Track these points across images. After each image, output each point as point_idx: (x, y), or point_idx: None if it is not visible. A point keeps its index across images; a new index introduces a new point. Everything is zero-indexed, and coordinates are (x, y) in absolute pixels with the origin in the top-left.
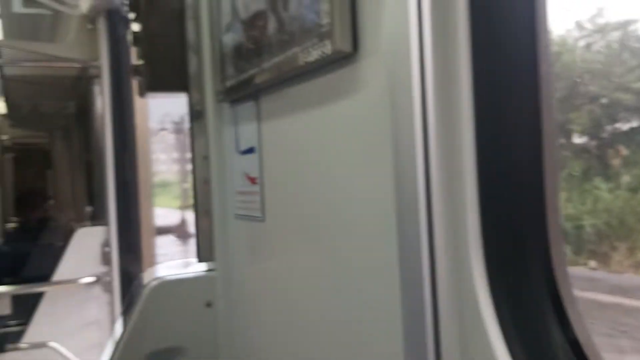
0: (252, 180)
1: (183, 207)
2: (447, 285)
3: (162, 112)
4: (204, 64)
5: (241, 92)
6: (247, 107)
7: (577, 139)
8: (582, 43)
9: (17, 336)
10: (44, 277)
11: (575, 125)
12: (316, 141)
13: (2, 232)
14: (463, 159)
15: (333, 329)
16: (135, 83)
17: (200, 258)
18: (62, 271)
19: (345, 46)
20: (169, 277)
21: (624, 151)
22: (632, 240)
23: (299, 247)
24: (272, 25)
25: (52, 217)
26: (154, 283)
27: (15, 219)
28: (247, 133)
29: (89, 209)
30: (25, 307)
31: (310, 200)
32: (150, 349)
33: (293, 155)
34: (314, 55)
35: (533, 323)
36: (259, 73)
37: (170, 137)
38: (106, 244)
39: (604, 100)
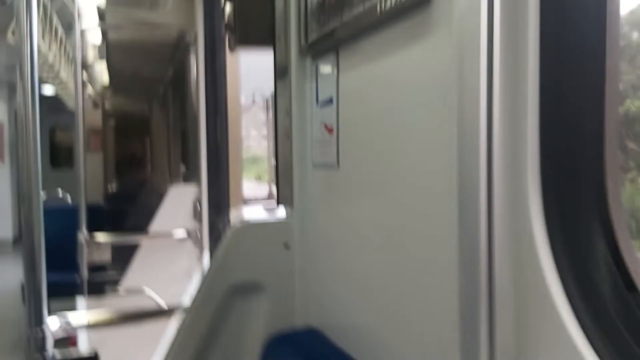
0: (330, 130)
1: (270, 182)
2: (503, 220)
3: (252, 87)
4: (290, 20)
5: (323, 46)
6: (328, 60)
7: None
8: None
9: (115, 283)
10: (140, 230)
11: None
12: (389, 91)
13: (104, 194)
14: (527, 113)
15: (397, 271)
16: (227, 45)
17: (280, 204)
18: (157, 225)
19: None
20: (251, 221)
21: None
22: None
23: (369, 194)
24: None
25: (150, 179)
26: (238, 225)
27: (116, 182)
28: (327, 85)
29: (182, 168)
30: (124, 257)
31: (381, 150)
32: (234, 281)
33: (367, 106)
34: (390, 2)
35: (586, 257)
36: (339, 26)
37: (260, 114)
38: (198, 201)
39: None
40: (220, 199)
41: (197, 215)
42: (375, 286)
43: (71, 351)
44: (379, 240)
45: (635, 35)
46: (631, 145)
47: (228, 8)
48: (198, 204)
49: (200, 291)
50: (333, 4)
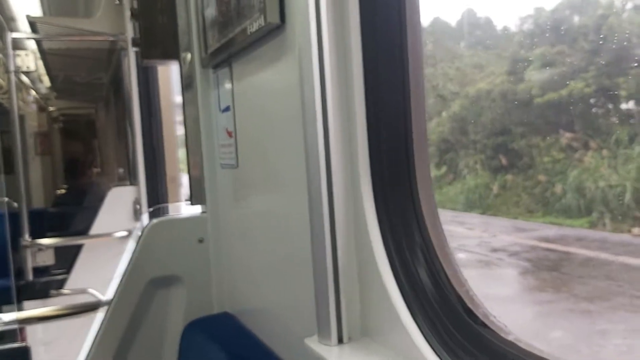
0: (230, 134)
1: None
2: (342, 210)
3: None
4: (192, 34)
5: (219, 59)
6: (224, 71)
7: (624, 105)
8: (629, 5)
9: (60, 284)
10: (83, 233)
11: (622, 90)
12: (266, 101)
13: (53, 198)
14: (355, 113)
15: (279, 256)
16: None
17: (193, 201)
18: (98, 227)
19: (274, 18)
20: (166, 218)
21: None
22: None
23: (259, 191)
24: (232, 2)
25: (97, 182)
26: (154, 222)
27: (64, 185)
28: (225, 94)
29: (120, 170)
30: (67, 259)
31: (264, 151)
32: (152, 275)
33: (254, 113)
34: (255, 26)
35: (401, 227)
36: (227, 42)
37: None
38: (137, 202)
39: None
40: (157, 197)
41: (137, 214)
42: (268, 271)
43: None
44: (269, 231)
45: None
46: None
47: (134, 19)
48: (138, 204)
49: (120, 286)
50: (222, 21)
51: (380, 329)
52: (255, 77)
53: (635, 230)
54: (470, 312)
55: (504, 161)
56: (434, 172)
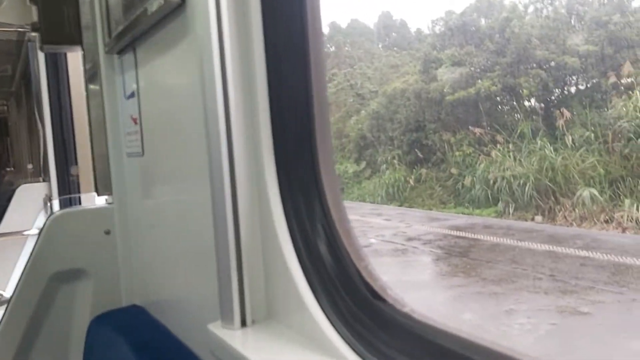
0: (135, 121)
1: None
2: (245, 195)
3: None
4: (95, 18)
5: (122, 43)
6: (129, 56)
7: (527, 102)
8: (531, 9)
9: None
10: None
11: (524, 89)
12: (169, 88)
13: None
14: (258, 95)
15: (187, 245)
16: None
17: (99, 192)
18: (7, 225)
19: None
20: (69, 210)
21: (568, 113)
22: (575, 196)
23: (165, 180)
24: None
25: (8, 180)
26: (56, 214)
27: None
28: (130, 79)
29: (29, 166)
30: None
31: (169, 139)
32: (55, 269)
33: (157, 99)
34: (155, 5)
35: (307, 218)
36: (130, 25)
37: None
38: (48, 198)
39: (552, 64)
40: (70, 191)
41: (47, 211)
42: (176, 260)
43: None
44: (175, 220)
45: None
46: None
47: (34, 9)
48: (49, 200)
49: (19, 282)
50: (125, 3)
51: (285, 310)
52: (158, 62)
53: (538, 217)
54: (369, 287)
55: (419, 156)
56: (353, 168)
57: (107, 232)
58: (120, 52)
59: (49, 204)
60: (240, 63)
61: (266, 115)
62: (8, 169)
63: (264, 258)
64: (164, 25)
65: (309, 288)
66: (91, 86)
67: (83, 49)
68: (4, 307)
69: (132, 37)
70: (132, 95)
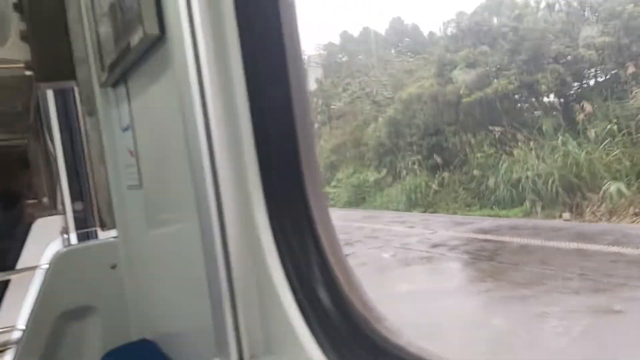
0: (131, 154)
1: None
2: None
3: None
4: (88, 53)
5: (115, 76)
6: (121, 89)
7: (545, 98)
8: (543, 4)
9: None
10: (11, 267)
11: (542, 85)
12: (160, 119)
13: None
14: (241, 129)
15: (189, 278)
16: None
17: (104, 226)
18: (26, 259)
19: (153, 29)
20: (74, 246)
21: (589, 106)
22: (601, 190)
23: (163, 211)
24: (119, 15)
25: (30, 212)
26: (62, 251)
27: None
28: (124, 112)
29: (45, 199)
30: None
31: (165, 169)
32: (63, 307)
33: (151, 132)
34: (136, 39)
35: (295, 241)
36: (118, 58)
37: None
38: (65, 230)
39: (568, 58)
40: (86, 223)
41: (65, 243)
42: (179, 293)
43: None
44: (177, 253)
45: None
46: None
47: (24, 42)
48: (66, 232)
49: (29, 321)
50: (115, 37)
51: (283, 345)
52: (148, 94)
53: (565, 215)
54: (364, 319)
55: (439, 160)
56: (374, 176)
57: (113, 267)
58: (114, 85)
59: (65, 237)
60: (221, 92)
61: (251, 145)
62: (29, 201)
63: (259, 293)
64: (147, 57)
65: (304, 322)
66: (89, 120)
67: (77, 84)
68: (15, 347)
69: (122, 69)
70: (127, 127)
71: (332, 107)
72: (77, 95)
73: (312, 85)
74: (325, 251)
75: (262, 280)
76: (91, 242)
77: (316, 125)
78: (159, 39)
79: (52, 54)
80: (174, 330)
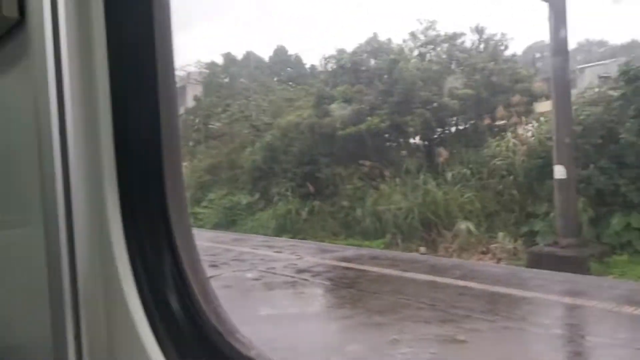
0: None
1: None
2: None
3: None
4: None
5: None
6: None
7: (412, 139)
8: (416, 53)
9: None
10: None
11: (410, 127)
12: (6, 111)
13: None
14: (100, 125)
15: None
16: None
17: None
18: None
19: (12, 12)
20: None
21: (446, 152)
22: (455, 228)
23: (11, 210)
24: None
25: None
26: None
27: None
28: None
29: None
30: None
31: (12, 169)
32: None
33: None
34: None
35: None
36: None
37: None
38: None
39: (434, 105)
40: None
41: None
42: (15, 303)
43: None
44: (7, 257)
45: None
46: None
47: None
48: None
49: None
50: None
51: (127, 352)
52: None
53: (422, 249)
54: (216, 330)
55: (312, 188)
56: (247, 199)
57: None
58: None
59: None
60: (81, 93)
61: (109, 148)
62: None
63: (106, 300)
64: (4, 42)
65: (150, 330)
66: None
67: None
68: None
69: None
70: None
71: (210, 126)
72: None
73: (190, 102)
74: (180, 260)
75: (111, 288)
76: None
77: (191, 143)
78: (18, 24)
79: None
80: (5, 344)
